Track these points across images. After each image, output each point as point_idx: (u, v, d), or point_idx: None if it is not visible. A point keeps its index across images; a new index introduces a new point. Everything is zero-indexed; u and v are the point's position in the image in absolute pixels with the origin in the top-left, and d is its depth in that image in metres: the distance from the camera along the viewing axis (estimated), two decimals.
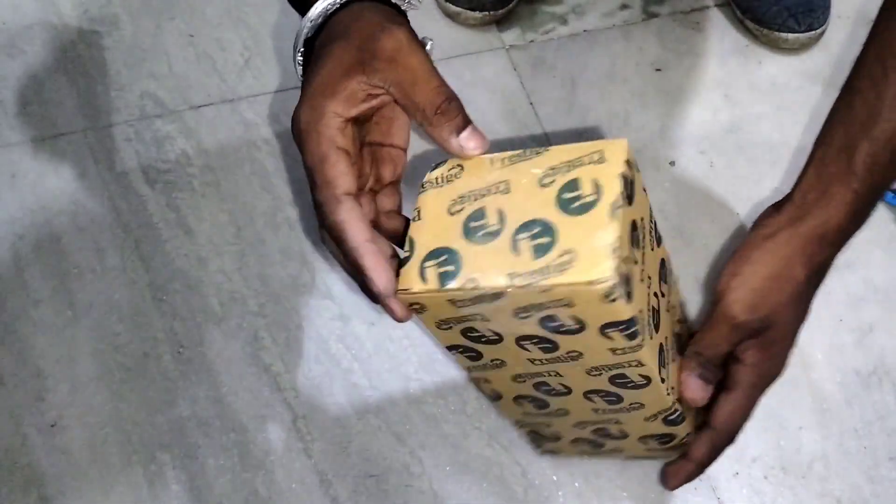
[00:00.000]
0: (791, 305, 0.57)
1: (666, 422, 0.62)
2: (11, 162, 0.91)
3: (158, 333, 0.83)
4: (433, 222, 0.51)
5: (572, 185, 0.48)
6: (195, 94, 0.97)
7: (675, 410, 0.60)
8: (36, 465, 0.76)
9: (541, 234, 0.47)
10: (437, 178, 0.52)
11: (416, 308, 0.51)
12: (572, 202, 0.48)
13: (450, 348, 0.55)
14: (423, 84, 0.51)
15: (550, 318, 0.49)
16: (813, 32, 1.01)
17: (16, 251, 0.86)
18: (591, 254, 0.46)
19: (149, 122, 0.94)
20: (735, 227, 0.91)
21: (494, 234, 0.49)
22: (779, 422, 0.80)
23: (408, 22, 0.56)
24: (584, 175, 0.49)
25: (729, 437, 0.64)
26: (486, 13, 1.01)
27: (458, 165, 0.53)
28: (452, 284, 0.48)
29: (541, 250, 0.47)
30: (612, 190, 0.48)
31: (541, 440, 0.73)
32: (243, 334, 0.83)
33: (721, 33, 1.04)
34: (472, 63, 1.00)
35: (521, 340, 0.52)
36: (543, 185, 0.49)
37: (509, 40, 1.03)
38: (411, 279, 0.49)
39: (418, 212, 0.51)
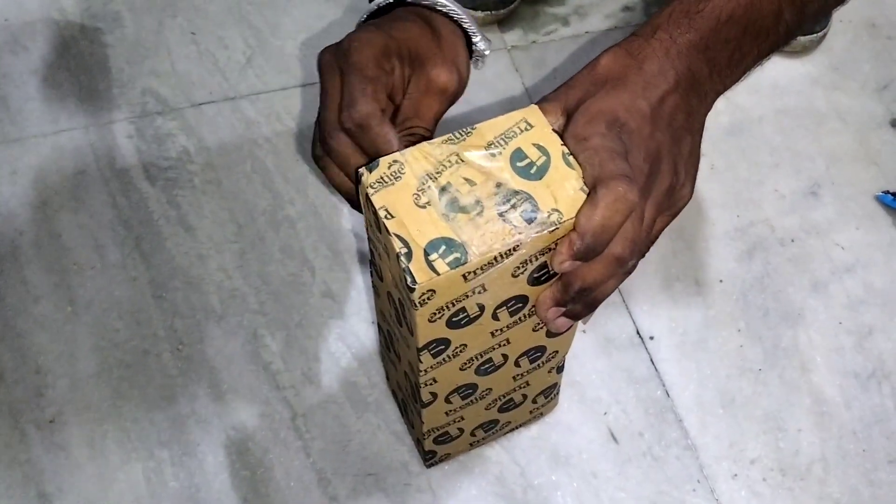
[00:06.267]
0: (608, 87, 0.53)
1: (559, 370, 0.70)
2: (13, 158, 0.91)
3: (158, 330, 0.83)
4: (409, 217, 0.51)
5: (519, 153, 0.52)
6: (197, 92, 0.97)
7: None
8: (35, 461, 0.76)
9: (521, 203, 0.51)
10: (381, 178, 0.52)
11: (424, 298, 0.51)
12: (529, 168, 0.52)
13: (421, 349, 0.56)
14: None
15: (541, 267, 0.53)
16: (815, 35, 1.01)
17: (16, 247, 0.86)
18: (575, 198, 0.51)
19: (150, 120, 0.94)
20: (736, 229, 0.91)
21: (479, 215, 0.50)
22: (778, 424, 0.81)
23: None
24: (523, 143, 0.52)
25: (594, 238, 0.50)
26: (488, 13, 1.01)
27: (395, 161, 0.53)
28: (466, 266, 0.50)
29: (529, 216, 0.50)
30: (555, 145, 0.52)
31: (439, 447, 0.74)
32: (243, 332, 0.83)
33: None
34: None
35: (498, 308, 0.55)
36: (494, 160, 0.52)
37: (511, 41, 1.03)
38: (423, 273, 0.50)
39: (386, 210, 0.51)
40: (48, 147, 0.92)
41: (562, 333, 0.61)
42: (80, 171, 0.91)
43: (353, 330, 0.83)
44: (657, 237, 0.56)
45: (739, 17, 0.56)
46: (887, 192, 0.93)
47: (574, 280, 0.53)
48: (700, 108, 0.57)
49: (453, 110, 0.95)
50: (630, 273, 0.54)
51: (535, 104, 0.54)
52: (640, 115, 0.53)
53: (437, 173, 0.52)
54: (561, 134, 0.53)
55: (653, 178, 0.53)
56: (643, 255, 0.54)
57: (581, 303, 0.55)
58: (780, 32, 0.59)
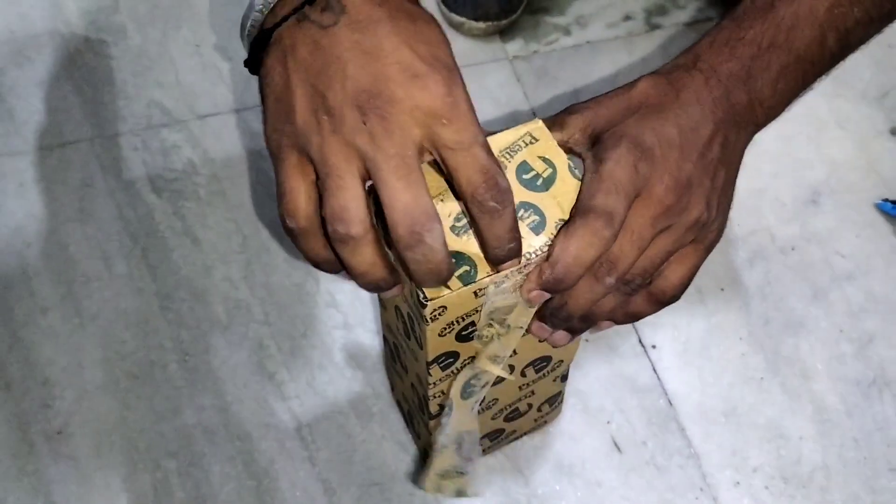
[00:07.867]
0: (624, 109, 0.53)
1: (563, 378, 0.70)
2: (19, 170, 0.92)
3: (165, 341, 0.83)
4: None
5: (525, 166, 0.53)
6: (201, 104, 0.97)
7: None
8: (43, 472, 0.77)
9: (528, 215, 0.51)
10: None
11: (436, 314, 0.51)
12: (535, 181, 0.52)
13: (430, 363, 0.57)
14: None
15: None
16: None
17: (23, 259, 0.87)
18: None
19: (155, 132, 0.95)
20: (734, 234, 0.91)
21: None
22: (779, 432, 0.81)
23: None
24: (528, 156, 0.53)
25: (565, 270, 0.49)
26: (490, 23, 1.02)
27: None
28: (478, 283, 0.50)
29: (537, 227, 0.51)
30: (561, 158, 0.53)
31: None
32: (248, 342, 0.84)
33: None
34: (475, 73, 1.01)
35: None
36: None
37: (513, 51, 1.03)
38: (435, 290, 0.50)
39: None
40: (54, 159, 0.93)
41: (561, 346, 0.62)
42: (86, 184, 0.91)
43: (358, 340, 0.84)
44: (694, 272, 0.54)
45: (781, 44, 0.54)
46: (887, 200, 0.93)
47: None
48: (738, 141, 0.55)
49: None
50: (628, 295, 0.53)
51: (561, 112, 0.55)
52: (668, 145, 0.51)
53: (445, 189, 0.52)
54: (585, 153, 0.53)
55: (675, 210, 0.51)
56: (635, 277, 0.52)
57: (558, 318, 0.54)
58: (825, 59, 0.57)
